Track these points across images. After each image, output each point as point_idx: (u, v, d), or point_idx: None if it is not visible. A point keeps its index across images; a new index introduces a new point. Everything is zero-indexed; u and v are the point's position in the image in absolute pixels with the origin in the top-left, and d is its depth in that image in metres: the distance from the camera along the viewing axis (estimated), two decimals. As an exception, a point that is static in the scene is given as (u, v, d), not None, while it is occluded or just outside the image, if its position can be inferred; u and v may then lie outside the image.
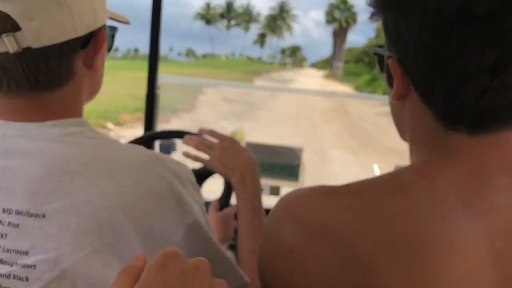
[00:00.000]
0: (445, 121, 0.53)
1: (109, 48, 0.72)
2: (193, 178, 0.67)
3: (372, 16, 0.57)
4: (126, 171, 0.59)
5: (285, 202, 0.57)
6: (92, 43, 0.64)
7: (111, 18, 0.70)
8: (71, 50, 0.61)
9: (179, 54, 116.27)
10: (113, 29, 0.74)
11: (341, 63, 56.56)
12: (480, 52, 0.48)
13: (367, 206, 0.52)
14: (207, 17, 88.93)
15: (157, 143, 1.49)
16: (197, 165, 1.06)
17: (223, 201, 1.16)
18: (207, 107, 15.49)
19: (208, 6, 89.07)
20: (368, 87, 27.18)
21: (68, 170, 0.56)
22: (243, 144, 1.09)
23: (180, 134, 1.27)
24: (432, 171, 0.53)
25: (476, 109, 0.50)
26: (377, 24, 0.59)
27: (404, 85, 0.55)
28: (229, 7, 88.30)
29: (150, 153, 0.64)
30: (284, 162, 1.47)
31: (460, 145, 0.53)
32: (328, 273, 0.50)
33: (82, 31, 0.61)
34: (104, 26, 0.67)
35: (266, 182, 1.50)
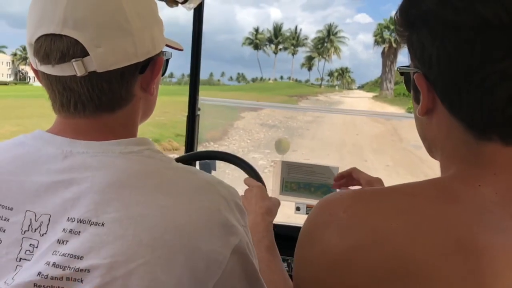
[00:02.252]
0: (475, 131, 0.53)
1: (163, 73, 0.76)
2: (240, 202, 0.68)
3: (399, 35, 0.58)
4: (180, 190, 0.62)
5: (327, 205, 0.55)
6: (150, 68, 0.68)
7: (167, 45, 0.73)
8: (131, 74, 0.65)
9: (230, 78, 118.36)
10: (168, 55, 0.77)
11: (391, 84, 54.30)
12: (503, 60, 0.48)
13: (418, 209, 0.50)
14: (255, 41, 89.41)
15: (197, 163, 1.53)
16: None
17: None
18: (241, 135, 14.11)
19: (256, 31, 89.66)
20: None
21: (127, 184, 0.59)
22: (287, 151, 1.50)
23: (217, 155, 1.37)
24: (476, 180, 0.51)
25: (505, 117, 0.50)
26: None
27: (431, 99, 0.55)
28: (277, 31, 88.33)
29: (203, 176, 0.67)
30: (320, 181, 1.42)
31: (496, 155, 0.52)
32: (376, 283, 0.48)
33: (142, 57, 0.65)
34: (161, 52, 0.71)
35: (302, 200, 1.44)
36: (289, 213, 1.45)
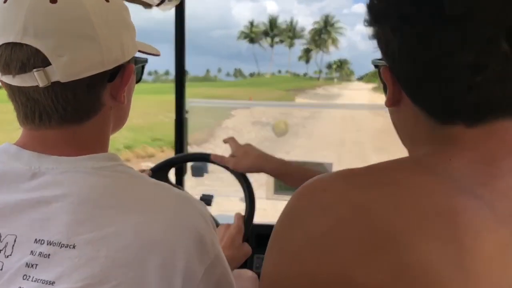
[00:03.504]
0: (438, 118, 0.55)
1: (138, 80, 0.74)
2: (212, 219, 0.67)
3: (370, 33, 0.60)
4: (155, 207, 0.60)
5: (307, 188, 0.56)
6: (119, 76, 0.65)
7: (140, 51, 0.70)
8: (98, 83, 0.62)
9: (228, 74, 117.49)
10: (143, 61, 0.74)
11: (392, 75, 52.96)
12: (459, 51, 0.50)
13: (396, 181, 0.52)
14: (250, 35, 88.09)
15: (189, 165, 1.55)
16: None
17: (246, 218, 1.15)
18: (230, 135, 12.72)
19: (251, 24, 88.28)
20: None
21: (100, 203, 0.57)
22: (286, 133, 1.71)
23: (200, 157, 1.32)
24: (447, 155, 0.53)
25: (466, 104, 0.52)
26: None
27: (396, 90, 0.58)
28: (272, 24, 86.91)
29: (179, 193, 0.65)
30: None
31: (461, 135, 0.54)
32: (362, 255, 0.48)
33: (109, 65, 0.62)
34: (132, 59, 0.68)
35: None
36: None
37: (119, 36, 0.63)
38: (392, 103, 0.59)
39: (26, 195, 0.57)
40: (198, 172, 1.52)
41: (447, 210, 0.49)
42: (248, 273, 1.11)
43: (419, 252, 0.47)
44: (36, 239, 0.55)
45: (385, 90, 0.61)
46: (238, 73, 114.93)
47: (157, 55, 0.76)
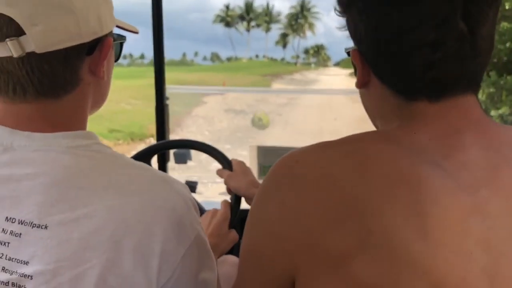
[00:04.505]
0: (403, 94, 0.57)
1: (117, 58, 0.73)
2: (194, 201, 0.65)
3: (340, 16, 0.63)
4: (131, 189, 0.58)
5: (283, 161, 0.58)
6: (98, 50, 0.63)
7: (118, 27, 0.70)
8: (76, 56, 0.60)
9: (204, 58, 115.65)
10: (122, 38, 0.73)
11: (368, 60, 52.88)
12: (418, 29, 0.53)
13: (363, 151, 0.54)
14: (226, 19, 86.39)
15: (171, 152, 1.55)
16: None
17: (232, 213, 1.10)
18: (200, 125, 11.80)
19: (227, 7, 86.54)
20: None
21: (73, 184, 0.56)
22: (267, 126, 1.63)
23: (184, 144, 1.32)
24: (411, 129, 0.56)
25: (427, 80, 0.55)
26: None
27: (366, 72, 0.61)
28: (248, 8, 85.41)
29: (156, 173, 0.63)
30: None
31: (424, 110, 0.56)
32: (329, 221, 0.51)
33: (87, 37, 0.60)
34: (110, 33, 0.66)
35: None
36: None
37: (96, 8, 0.61)
38: (362, 84, 0.62)
39: None
40: (181, 159, 1.48)
41: (410, 178, 0.51)
42: (232, 258, 1.10)
43: (384, 218, 0.49)
44: (7, 217, 0.54)
45: (355, 73, 0.64)
46: (215, 57, 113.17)
47: (136, 32, 0.75)
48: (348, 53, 0.65)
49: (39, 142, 0.58)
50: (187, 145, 1.28)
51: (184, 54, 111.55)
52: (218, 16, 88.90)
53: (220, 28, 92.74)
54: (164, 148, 1.34)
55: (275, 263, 0.56)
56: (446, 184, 0.51)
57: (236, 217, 1.07)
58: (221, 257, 1.04)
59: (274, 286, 0.58)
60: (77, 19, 0.58)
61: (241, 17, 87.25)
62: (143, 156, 1.22)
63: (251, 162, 1.46)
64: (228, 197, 1.11)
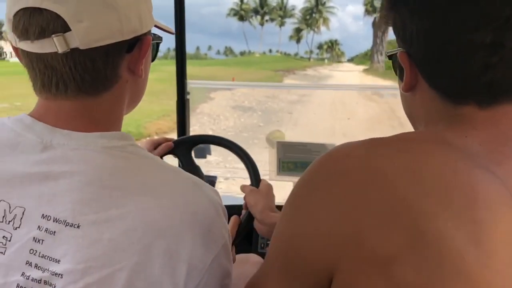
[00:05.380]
0: (453, 98, 0.56)
1: (153, 57, 0.74)
2: (224, 206, 0.65)
3: (385, 19, 0.61)
4: (164, 192, 0.58)
5: (330, 156, 0.56)
6: (137, 48, 0.64)
7: (156, 26, 0.71)
8: (116, 53, 0.61)
9: (218, 52, 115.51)
10: (159, 39, 0.74)
11: (383, 56, 51.93)
12: (476, 30, 0.51)
13: (416, 150, 0.52)
14: (240, 12, 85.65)
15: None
16: None
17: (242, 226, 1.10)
18: (204, 123, 11.04)
19: (241, 1, 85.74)
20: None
21: (108, 184, 0.56)
22: (282, 140, 1.48)
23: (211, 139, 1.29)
24: (462, 132, 0.54)
25: (480, 84, 0.53)
26: None
27: (413, 75, 0.59)
28: (262, 1, 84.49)
29: (189, 177, 0.63)
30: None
31: (473, 115, 0.54)
32: (378, 219, 0.49)
33: (128, 35, 0.61)
34: (149, 32, 0.67)
35: None
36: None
37: (137, 6, 0.62)
38: (409, 87, 0.60)
39: (35, 168, 0.56)
40: (201, 153, 1.44)
41: (464, 182, 0.49)
42: (254, 257, 1.09)
43: (437, 221, 0.47)
44: (43, 214, 0.54)
45: (401, 77, 0.62)
46: (228, 51, 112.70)
47: (172, 33, 0.75)
48: (389, 57, 0.64)
49: (77, 141, 0.57)
50: (226, 146, 1.21)
51: (197, 48, 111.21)
52: (232, 9, 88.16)
53: (235, 22, 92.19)
54: (205, 141, 1.29)
55: (312, 258, 0.54)
56: (500, 192, 0.49)
57: (241, 237, 1.04)
58: (243, 255, 1.06)
59: (303, 283, 0.55)
60: (119, 17, 0.58)
61: (255, 11, 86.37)
62: (184, 144, 1.21)
63: (270, 157, 1.46)
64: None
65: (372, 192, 0.50)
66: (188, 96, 1.75)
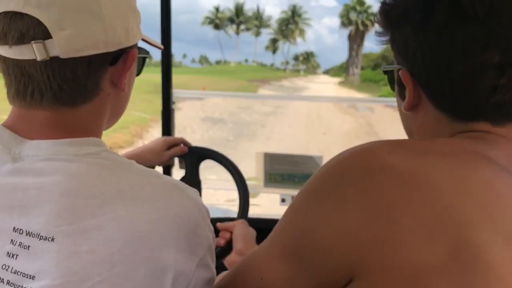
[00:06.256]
0: (461, 118, 0.54)
1: (139, 72, 0.72)
2: (206, 207, 0.63)
3: (380, 35, 0.60)
4: (144, 197, 0.56)
5: (367, 151, 0.52)
6: (122, 61, 0.62)
7: (144, 40, 0.69)
8: (99, 65, 0.59)
9: (193, 61, 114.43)
10: (146, 53, 0.72)
11: (358, 69, 52.17)
12: (483, 51, 0.50)
13: (462, 161, 0.50)
14: (215, 21, 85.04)
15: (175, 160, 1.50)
16: None
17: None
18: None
19: (217, 9, 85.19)
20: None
21: (82, 193, 0.54)
22: None
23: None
24: (488, 146, 0.52)
25: (489, 105, 0.52)
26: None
27: (416, 94, 0.57)
28: (238, 10, 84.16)
29: (169, 180, 0.61)
30: (304, 172, 1.42)
31: (488, 130, 0.53)
32: (418, 223, 0.45)
33: (113, 47, 0.59)
34: (135, 46, 0.65)
35: (287, 192, 1.46)
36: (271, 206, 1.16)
37: (125, 18, 0.60)
38: (411, 107, 0.58)
39: (5, 179, 0.54)
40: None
41: (506, 194, 0.48)
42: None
43: (481, 231, 0.45)
44: (14, 228, 0.52)
45: (401, 95, 0.60)
46: (204, 60, 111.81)
47: (160, 48, 0.74)
48: (385, 72, 0.62)
49: (47, 151, 0.55)
50: (232, 172, 1.18)
51: (172, 55, 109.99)
52: (207, 17, 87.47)
53: (211, 30, 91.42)
54: (219, 160, 1.23)
55: (332, 253, 0.49)
56: None
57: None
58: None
59: (316, 268, 0.51)
60: (104, 27, 0.56)
61: (231, 20, 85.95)
62: (198, 154, 1.22)
63: (257, 169, 1.45)
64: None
65: (414, 192, 0.46)
66: (173, 106, 1.65)
